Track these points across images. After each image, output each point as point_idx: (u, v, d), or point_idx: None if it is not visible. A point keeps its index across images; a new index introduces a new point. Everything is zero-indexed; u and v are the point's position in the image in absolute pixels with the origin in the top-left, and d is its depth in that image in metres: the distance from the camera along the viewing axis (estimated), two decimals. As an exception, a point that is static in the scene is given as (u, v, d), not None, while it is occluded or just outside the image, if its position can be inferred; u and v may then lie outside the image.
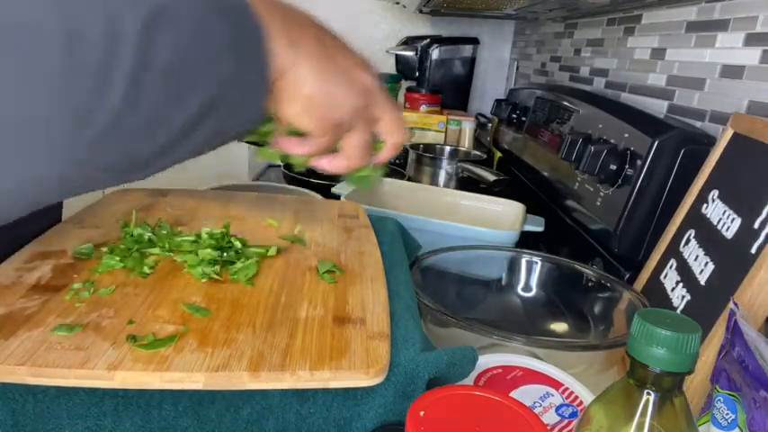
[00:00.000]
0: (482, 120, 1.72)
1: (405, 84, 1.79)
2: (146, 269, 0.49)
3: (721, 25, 0.76)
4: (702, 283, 0.54)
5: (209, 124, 0.34)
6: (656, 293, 0.63)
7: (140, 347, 0.38)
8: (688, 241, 0.60)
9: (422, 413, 0.31)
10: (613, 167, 0.74)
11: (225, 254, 0.52)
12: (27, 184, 0.29)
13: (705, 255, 0.56)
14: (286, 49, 0.37)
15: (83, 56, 0.27)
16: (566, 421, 0.44)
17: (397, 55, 1.77)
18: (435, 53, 1.74)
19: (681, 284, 0.58)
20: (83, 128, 0.28)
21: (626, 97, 1.02)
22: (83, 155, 0.29)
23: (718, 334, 0.47)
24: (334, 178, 0.97)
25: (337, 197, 0.84)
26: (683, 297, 0.57)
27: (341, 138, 0.44)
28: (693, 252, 0.58)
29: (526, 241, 0.81)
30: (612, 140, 0.78)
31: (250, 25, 0.36)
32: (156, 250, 0.53)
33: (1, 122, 0.27)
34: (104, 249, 0.52)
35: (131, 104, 0.29)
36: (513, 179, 1.18)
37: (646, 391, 0.29)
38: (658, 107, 0.89)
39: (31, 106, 0.27)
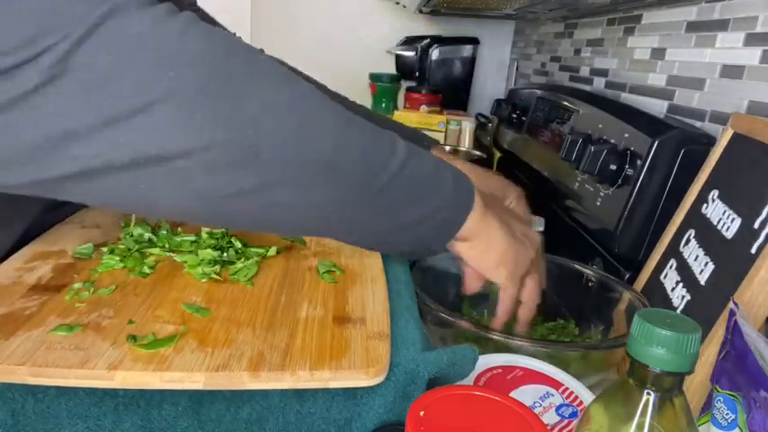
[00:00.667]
0: (482, 120, 1.72)
1: (405, 84, 1.79)
2: (146, 269, 0.49)
3: (721, 25, 0.76)
4: (702, 283, 0.54)
5: (422, 229, 0.46)
6: (656, 293, 0.63)
7: (140, 347, 0.38)
8: (688, 241, 0.60)
9: (422, 413, 0.31)
10: (613, 167, 0.74)
11: (225, 254, 0.53)
12: (313, 211, 0.42)
13: (705, 255, 0.56)
14: (483, 214, 0.49)
15: (375, 154, 0.42)
16: (566, 421, 0.44)
17: (397, 55, 1.77)
18: (435, 53, 1.74)
19: (681, 284, 0.58)
20: (355, 190, 0.42)
21: (626, 97, 1.02)
22: (347, 207, 0.42)
23: (718, 334, 0.47)
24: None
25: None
26: (683, 297, 0.57)
27: (515, 287, 0.55)
28: (693, 252, 0.58)
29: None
30: (612, 140, 0.78)
31: (469, 187, 0.49)
32: (156, 250, 0.53)
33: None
34: (104, 249, 0.52)
35: (386, 191, 0.42)
36: (513, 179, 1.18)
37: (646, 391, 0.29)
38: (658, 107, 0.89)
39: (341, 165, 0.40)
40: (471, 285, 0.56)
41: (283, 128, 0.37)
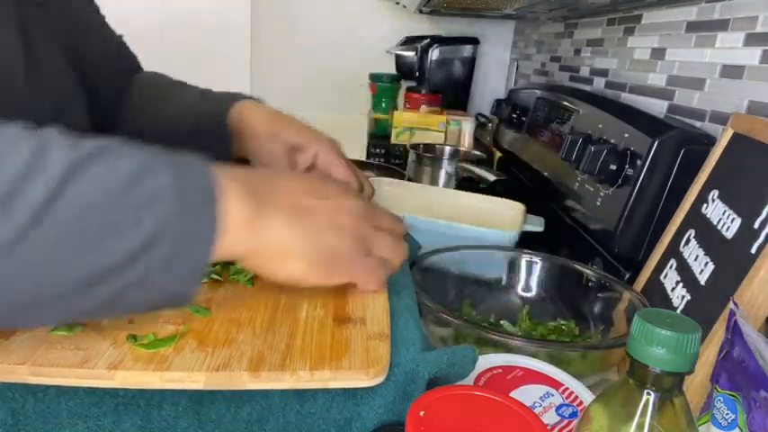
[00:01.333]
0: (482, 120, 1.72)
1: (405, 84, 1.79)
2: None
3: (721, 25, 0.76)
4: (702, 283, 0.54)
5: (136, 273, 0.31)
6: (656, 293, 0.63)
7: (140, 347, 0.38)
8: (688, 241, 0.60)
9: (422, 413, 0.31)
10: (613, 167, 0.74)
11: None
12: None
13: (705, 255, 0.56)
14: (248, 223, 0.36)
15: None
16: (566, 421, 0.44)
17: (397, 55, 1.77)
18: (435, 53, 1.74)
19: (681, 284, 0.58)
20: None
21: (626, 97, 1.02)
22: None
23: (718, 334, 0.47)
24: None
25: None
26: (683, 297, 0.57)
27: (357, 267, 0.44)
28: (693, 252, 0.58)
29: (526, 241, 0.81)
30: (612, 140, 0.78)
31: (203, 182, 0.34)
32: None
33: None
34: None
35: (27, 237, 0.28)
36: (513, 179, 1.18)
37: (646, 391, 0.29)
38: (658, 107, 0.89)
39: None
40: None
41: None
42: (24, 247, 0.28)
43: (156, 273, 0.32)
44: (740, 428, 0.37)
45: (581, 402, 0.46)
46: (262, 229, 0.37)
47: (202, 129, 0.65)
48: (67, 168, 0.29)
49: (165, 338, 0.39)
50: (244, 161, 0.66)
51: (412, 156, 1.27)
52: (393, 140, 1.55)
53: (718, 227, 0.55)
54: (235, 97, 0.66)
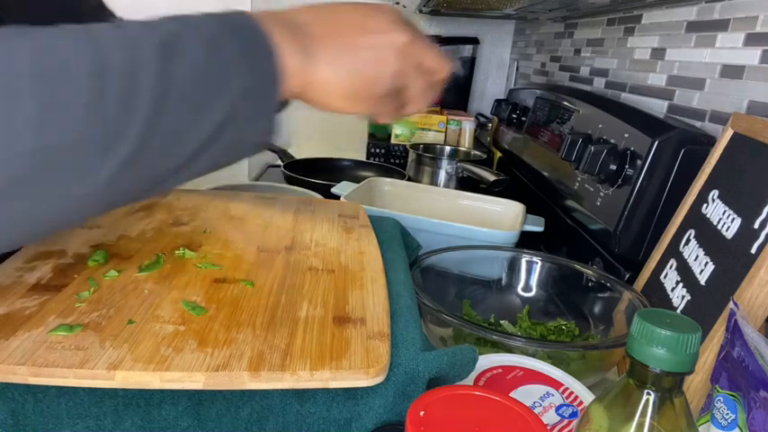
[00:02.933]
0: (482, 120, 1.72)
1: (405, 84, 1.79)
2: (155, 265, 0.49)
3: (721, 25, 0.76)
4: (702, 283, 0.54)
5: (225, 138, 0.37)
6: (656, 293, 0.63)
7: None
8: (688, 241, 0.60)
9: (422, 413, 0.31)
10: (613, 167, 0.74)
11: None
12: (63, 205, 0.33)
13: (705, 255, 0.56)
14: (300, 57, 0.40)
15: (107, 87, 0.31)
16: (566, 421, 0.44)
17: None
18: (435, 53, 1.74)
19: (681, 284, 0.58)
20: (110, 153, 0.31)
21: (626, 97, 1.02)
22: (110, 177, 0.32)
23: (718, 334, 0.47)
24: (334, 178, 0.97)
25: (337, 197, 0.84)
26: (683, 297, 0.57)
27: (401, 96, 0.46)
28: (693, 252, 0.58)
29: (526, 241, 0.81)
30: (612, 140, 0.78)
31: (258, 41, 0.38)
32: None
33: (40, 152, 0.30)
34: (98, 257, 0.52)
35: (153, 128, 0.32)
36: (513, 179, 1.18)
37: (646, 391, 0.29)
38: (658, 107, 0.89)
39: (62, 135, 0.30)
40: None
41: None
42: (151, 138, 0.33)
43: (242, 128, 0.38)
44: (740, 428, 0.37)
45: (581, 402, 0.46)
46: (311, 68, 0.41)
47: None
48: (160, 59, 0.33)
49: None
50: None
51: (412, 156, 1.27)
52: (393, 140, 1.55)
53: (718, 227, 0.55)
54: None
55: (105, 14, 0.73)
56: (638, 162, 0.71)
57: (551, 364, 0.50)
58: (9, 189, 0.30)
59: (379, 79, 0.43)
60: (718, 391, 0.40)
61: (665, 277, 0.62)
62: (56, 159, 0.30)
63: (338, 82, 0.42)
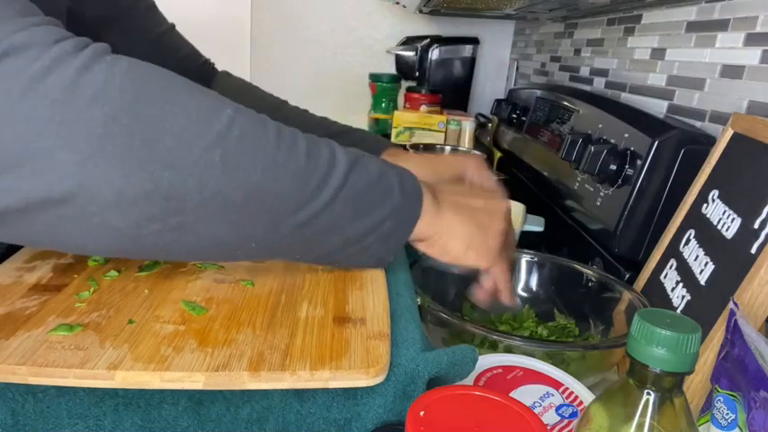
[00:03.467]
0: (482, 120, 1.72)
1: (405, 84, 1.79)
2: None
3: (721, 25, 0.76)
4: (702, 283, 0.54)
5: (364, 244, 0.46)
6: (656, 293, 0.63)
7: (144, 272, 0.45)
8: (688, 241, 0.60)
9: (422, 413, 0.31)
10: (613, 167, 0.74)
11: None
12: (250, 241, 0.41)
13: (705, 255, 0.56)
14: (435, 212, 0.49)
15: (311, 173, 0.41)
16: (566, 421, 0.44)
17: (397, 55, 1.77)
18: (435, 53, 1.74)
19: (681, 284, 0.58)
20: (294, 214, 0.41)
21: (626, 97, 1.02)
22: (288, 231, 0.41)
23: (718, 334, 0.47)
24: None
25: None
26: (683, 297, 0.57)
27: (499, 262, 0.54)
28: (693, 252, 0.58)
29: (526, 241, 0.81)
30: (612, 140, 0.78)
31: (413, 180, 0.49)
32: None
33: (259, 188, 0.38)
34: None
35: (328, 210, 0.42)
36: (513, 179, 1.18)
37: (646, 391, 0.29)
38: (658, 107, 0.89)
39: (277, 185, 0.39)
40: (481, 298, 0.57)
41: (201, 164, 0.35)
42: (324, 215, 0.42)
43: (378, 241, 0.47)
44: (740, 428, 0.37)
45: (581, 402, 0.46)
46: (440, 217, 0.50)
47: None
48: (349, 166, 0.43)
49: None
50: None
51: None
52: (393, 140, 1.55)
53: (719, 227, 0.55)
54: (378, 144, 0.76)
55: (157, 17, 0.79)
56: (638, 162, 0.71)
57: (551, 364, 0.50)
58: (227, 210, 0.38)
59: (491, 234, 0.52)
60: (718, 391, 0.40)
61: (665, 277, 0.62)
62: (266, 200, 0.39)
63: (458, 230, 0.50)
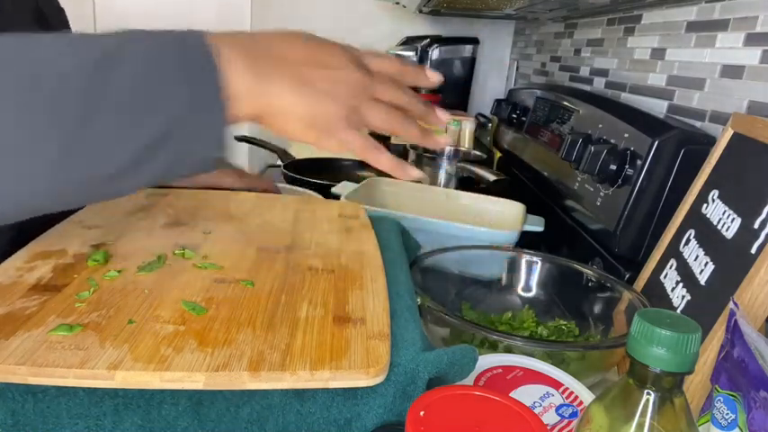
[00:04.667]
0: (482, 120, 1.72)
1: (405, 84, 1.79)
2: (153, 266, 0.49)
3: (721, 25, 0.76)
4: (702, 283, 0.54)
5: (166, 152, 0.37)
6: (656, 293, 0.63)
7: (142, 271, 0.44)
8: (688, 241, 0.60)
9: (422, 413, 0.31)
10: (613, 167, 0.74)
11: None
12: (18, 194, 0.36)
13: (705, 255, 0.56)
14: (252, 77, 0.40)
15: (36, 93, 0.33)
16: (566, 421, 0.44)
17: (397, 55, 1.77)
18: (435, 53, 1.74)
19: (681, 284, 0.58)
20: (36, 155, 0.34)
21: (626, 97, 1.02)
22: (48, 173, 0.35)
23: (718, 334, 0.47)
24: (334, 178, 0.97)
25: (337, 197, 0.84)
26: (683, 297, 0.57)
27: (360, 123, 0.45)
28: (693, 252, 0.58)
29: (526, 241, 0.81)
30: (612, 140, 0.78)
31: (201, 56, 0.38)
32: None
33: None
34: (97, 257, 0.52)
35: (75, 137, 0.34)
36: (513, 179, 1.18)
37: (646, 391, 0.29)
38: (658, 107, 0.89)
39: (4, 136, 0.33)
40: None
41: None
42: (77, 136, 0.34)
43: (186, 142, 0.38)
44: (740, 428, 0.37)
45: (581, 402, 0.46)
46: (264, 96, 0.41)
47: None
48: (98, 66, 0.35)
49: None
50: None
51: (412, 156, 1.27)
52: (393, 140, 1.55)
53: (718, 227, 0.55)
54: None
55: (64, 21, 0.74)
56: (638, 162, 0.71)
57: (551, 364, 0.50)
58: None
59: (334, 112, 0.43)
60: (718, 391, 0.40)
61: (665, 277, 0.62)
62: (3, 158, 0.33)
63: (294, 108, 0.41)
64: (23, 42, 0.34)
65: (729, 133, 0.62)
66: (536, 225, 0.83)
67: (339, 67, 0.44)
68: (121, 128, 0.35)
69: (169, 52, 0.37)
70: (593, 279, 0.68)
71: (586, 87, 1.19)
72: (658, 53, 0.92)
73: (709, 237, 0.57)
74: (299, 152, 1.32)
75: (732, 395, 0.38)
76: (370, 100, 0.45)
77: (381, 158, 0.46)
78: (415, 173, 0.48)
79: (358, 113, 0.44)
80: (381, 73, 0.46)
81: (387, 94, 0.46)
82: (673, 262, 0.62)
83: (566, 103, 1.03)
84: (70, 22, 0.72)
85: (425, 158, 1.25)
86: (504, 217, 0.89)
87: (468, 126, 1.54)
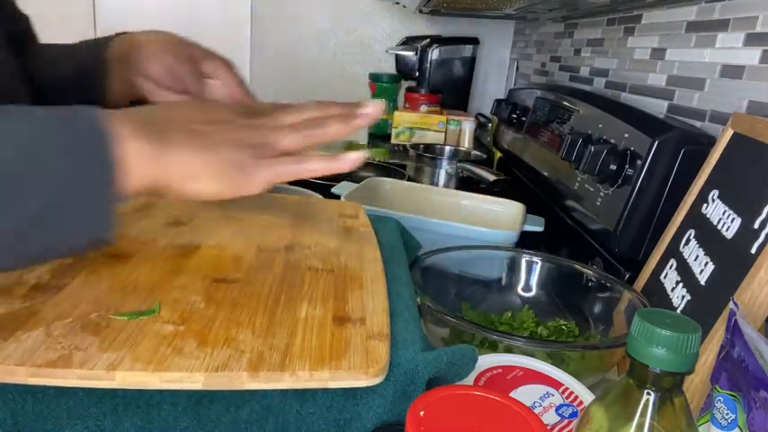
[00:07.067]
0: (482, 120, 1.72)
1: (405, 84, 1.79)
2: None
3: (721, 25, 0.76)
4: (702, 283, 0.54)
5: (52, 224, 0.35)
6: (656, 293, 0.63)
7: (122, 316, 0.40)
8: (688, 241, 0.60)
9: (422, 413, 0.31)
10: (613, 167, 0.74)
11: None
12: None
13: (705, 255, 0.56)
14: (149, 145, 0.38)
15: None
16: (566, 421, 0.44)
17: (397, 55, 1.77)
18: (435, 53, 1.74)
19: (681, 284, 0.58)
20: None
21: (626, 97, 1.02)
22: None
23: (718, 334, 0.47)
24: (334, 178, 0.97)
25: (337, 197, 0.84)
26: (683, 297, 0.57)
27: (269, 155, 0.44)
28: (693, 252, 0.58)
29: (526, 241, 0.81)
30: (612, 140, 0.78)
31: (91, 131, 0.36)
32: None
33: None
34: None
35: None
36: (513, 179, 1.18)
37: (646, 391, 0.29)
38: (658, 107, 0.89)
39: None
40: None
41: None
42: None
43: (73, 215, 0.36)
44: (740, 428, 0.37)
45: (581, 402, 0.46)
46: (165, 157, 0.39)
47: (84, 65, 0.63)
48: None
49: (144, 311, 0.41)
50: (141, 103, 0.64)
51: (412, 156, 1.27)
52: (393, 140, 1.55)
53: (718, 227, 0.55)
54: (104, 42, 0.65)
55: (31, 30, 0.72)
56: (638, 162, 0.71)
57: (551, 364, 0.50)
58: None
59: (240, 154, 0.42)
60: (718, 391, 0.40)
61: (665, 277, 0.62)
62: None
63: (200, 164, 0.40)
64: None
65: (729, 133, 0.62)
66: (536, 225, 0.83)
67: (230, 118, 0.44)
68: (6, 198, 0.34)
69: (58, 125, 0.36)
70: (593, 279, 0.68)
71: (586, 87, 1.19)
72: (658, 53, 0.92)
73: (709, 237, 0.57)
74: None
75: (732, 395, 0.38)
76: (274, 131, 0.45)
77: (313, 166, 0.44)
78: (355, 155, 0.45)
79: (263, 148, 0.43)
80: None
81: (289, 123, 0.46)
82: (673, 262, 0.62)
83: (566, 103, 1.03)
84: (70, 22, 0.72)
85: (425, 158, 1.25)
86: (504, 217, 0.89)
87: (468, 126, 1.54)
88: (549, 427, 0.42)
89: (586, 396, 0.46)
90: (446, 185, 1.19)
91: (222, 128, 0.42)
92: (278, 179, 0.44)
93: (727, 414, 0.38)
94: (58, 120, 0.36)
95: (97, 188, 0.36)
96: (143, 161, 0.38)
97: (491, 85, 1.90)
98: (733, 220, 0.54)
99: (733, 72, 0.72)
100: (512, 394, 0.45)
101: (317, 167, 0.44)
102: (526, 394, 0.46)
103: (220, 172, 0.41)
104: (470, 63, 1.79)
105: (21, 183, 0.34)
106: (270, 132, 0.44)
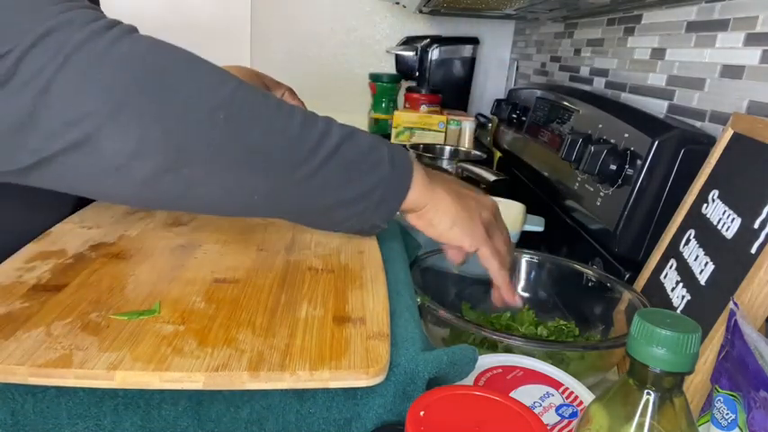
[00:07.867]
0: (482, 120, 1.72)
1: (405, 84, 1.79)
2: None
3: (721, 25, 0.76)
4: (702, 283, 0.54)
5: (356, 208, 0.50)
6: (656, 293, 0.63)
7: (121, 316, 0.41)
8: (688, 241, 0.60)
9: (422, 413, 0.31)
10: (613, 167, 0.74)
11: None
12: (253, 194, 0.45)
13: (705, 255, 0.56)
14: (425, 186, 0.53)
15: (305, 139, 0.46)
16: (566, 421, 0.44)
17: (397, 55, 1.77)
18: (435, 53, 1.74)
19: (681, 284, 0.58)
20: (290, 174, 0.45)
21: (626, 97, 1.02)
22: (284, 188, 0.46)
23: (718, 334, 0.47)
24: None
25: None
26: (683, 297, 0.57)
27: (484, 245, 0.57)
28: (693, 252, 0.58)
29: (526, 241, 0.81)
30: (612, 140, 0.78)
31: (404, 155, 0.53)
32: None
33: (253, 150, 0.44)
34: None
35: (320, 173, 0.46)
36: (513, 179, 1.18)
37: (646, 391, 0.29)
38: (658, 107, 0.89)
39: (276, 147, 0.45)
40: (453, 258, 0.60)
41: (207, 123, 0.41)
42: (317, 178, 0.46)
43: (371, 208, 0.51)
44: (740, 428, 0.37)
45: (581, 402, 0.46)
46: (430, 191, 0.54)
47: None
48: (341, 138, 0.48)
49: (144, 310, 0.42)
50: None
51: (412, 156, 1.27)
52: (393, 140, 1.55)
53: (718, 227, 0.55)
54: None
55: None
56: (638, 162, 0.71)
57: (551, 364, 0.50)
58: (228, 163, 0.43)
59: (477, 218, 0.56)
60: (718, 391, 0.40)
61: (665, 277, 0.62)
62: (264, 159, 0.44)
63: (448, 207, 0.54)
64: (302, 114, 0.47)
65: (729, 133, 0.62)
66: (536, 225, 0.83)
67: (484, 204, 0.58)
68: (339, 181, 0.48)
69: (384, 143, 0.51)
70: (593, 279, 0.68)
71: (586, 87, 1.19)
72: (658, 53, 0.92)
73: (709, 237, 0.57)
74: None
75: (732, 395, 0.38)
76: (495, 224, 0.59)
77: (504, 273, 0.58)
78: (517, 300, 0.62)
79: (490, 229, 0.57)
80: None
81: (500, 238, 0.59)
82: (673, 262, 0.62)
83: (566, 103, 1.03)
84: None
85: (425, 158, 1.25)
86: (504, 217, 0.89)
87: (468, 126, 1.54)
88: (549, 427, 0.42)
89: (586, 396, 0.46)
90: (446, 185, 1.18)
91: (474, 202, 0.57)
92: (492, 247, 0.57)
93: (727, 414, 0.38)
94: (385, 142, 0.52)
95: (396, 194, 0.52)
96: (421, 189, 0.53)
97: (491, 85, 1.90)
98: (733, 220, 0.54)
99: (733, 72, 0.72)
100: (512, 394, 0.45)
101: (505, 282, 0.59)
102: (526, 394, 0.46)
103: (459, 221, 0.55)
104: (470, 63, 1.78)
105: (357, 174, 0.48)
106: (496, 224, 0.59)
